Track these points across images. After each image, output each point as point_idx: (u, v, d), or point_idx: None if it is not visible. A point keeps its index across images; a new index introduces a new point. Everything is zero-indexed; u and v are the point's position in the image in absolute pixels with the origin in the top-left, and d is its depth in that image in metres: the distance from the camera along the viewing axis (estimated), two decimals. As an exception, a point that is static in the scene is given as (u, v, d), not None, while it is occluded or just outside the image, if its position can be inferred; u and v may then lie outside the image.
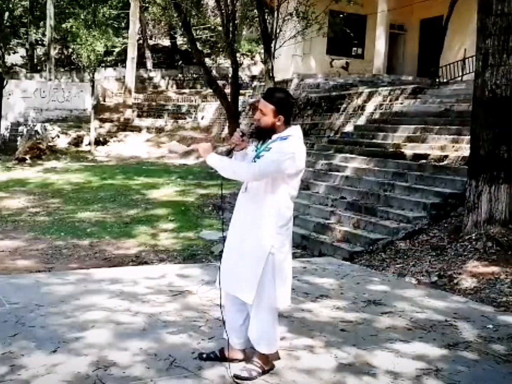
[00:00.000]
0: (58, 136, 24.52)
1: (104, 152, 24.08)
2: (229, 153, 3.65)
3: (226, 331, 3.69)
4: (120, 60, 32.38)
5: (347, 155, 12.33)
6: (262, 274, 3.49)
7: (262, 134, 3.64)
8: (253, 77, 28.89)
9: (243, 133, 3.67)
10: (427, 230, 8.34)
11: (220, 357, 3.73)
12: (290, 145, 3.52)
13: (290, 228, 3.65)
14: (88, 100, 25.82)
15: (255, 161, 3.57)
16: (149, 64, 33.85)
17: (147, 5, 33.03)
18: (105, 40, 23.79)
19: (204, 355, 3.78)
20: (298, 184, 3.63)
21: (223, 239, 3.79)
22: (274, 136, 3.60)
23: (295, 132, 3.62)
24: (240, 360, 3.70)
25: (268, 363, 3.64)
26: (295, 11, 19.49)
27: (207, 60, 27.45)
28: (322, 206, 10.41)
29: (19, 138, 24.09)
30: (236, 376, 3.50)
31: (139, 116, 27.62)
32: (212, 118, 24.92)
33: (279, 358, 3.76)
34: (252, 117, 21.37)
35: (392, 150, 11.65)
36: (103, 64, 27.05)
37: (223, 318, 3.74)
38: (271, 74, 18.18)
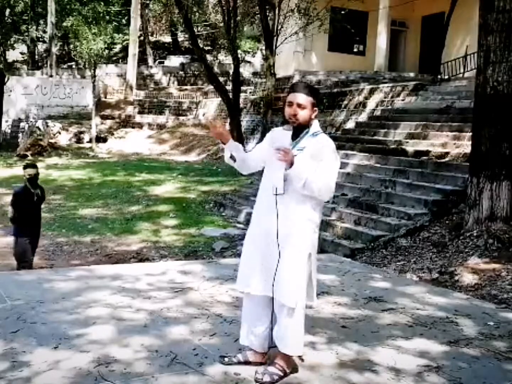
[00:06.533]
0: (60, 133, 24.55)
1: (105, 148, 24.10)
2: None
3: (246, 335, 3.54)
4: (122, 56, 32.36)
5: (348, 152, 12.32)
6: (304, 275, 3.38)
7: (299, 130, 3.38)
8: (254, 74, 28.84)
9: None
10: (428, 227, 8.35)
11: (243, 362, 3.54)
12: (329, 140, 3.35)
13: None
14: (90, 97, 25.83)
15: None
16: (150, 60, 33.83)
17: (148, 1, 33.06)
18: (104, 37, 23.79)
19: (226, 359, 3.58)
20: None
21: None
22: (301, 133, 3.39)
23: (319, 127, 3.45)
24: (263, 363, 3.53)
25: (290, 365, 3.44)
26: (296, 8, 19.46)
27: (208, 56, 27.37)
28: (323, 203, 10.41)
29: (20, 135, 24.12)
30: (257, 381, 3.31)
31: (140, 112, 27.61)
32: (213, 115, 24.92)
33: (302, 360, 3.63)
34: (253, 114, 21.32)
35: (393, 147, 11.64)
36: (105, 60, 27.00)
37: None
38: (272, 71, 18.17)
